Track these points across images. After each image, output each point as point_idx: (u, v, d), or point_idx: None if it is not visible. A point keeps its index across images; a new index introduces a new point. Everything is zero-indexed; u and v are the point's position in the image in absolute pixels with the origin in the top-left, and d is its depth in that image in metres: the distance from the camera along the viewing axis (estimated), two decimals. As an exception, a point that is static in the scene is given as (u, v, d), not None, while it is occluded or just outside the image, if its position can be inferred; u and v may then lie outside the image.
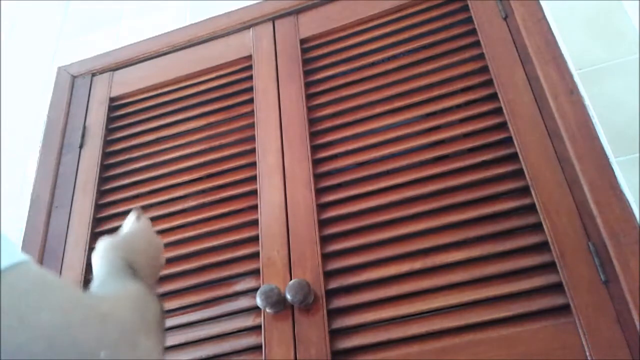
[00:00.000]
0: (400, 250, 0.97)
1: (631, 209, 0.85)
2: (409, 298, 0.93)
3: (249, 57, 1.33)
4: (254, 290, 1.00)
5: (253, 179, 1.16)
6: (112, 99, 1.42)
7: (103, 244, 0.66)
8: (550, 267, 0.87)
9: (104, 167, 1.33)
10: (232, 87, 1.32)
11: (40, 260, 1.21)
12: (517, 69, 1.05)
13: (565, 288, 0.84)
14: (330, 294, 0.98)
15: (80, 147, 1.36)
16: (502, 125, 1.02)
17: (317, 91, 1.22)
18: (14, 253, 0.40)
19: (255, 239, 1.08)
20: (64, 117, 1.42)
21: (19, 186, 1.38)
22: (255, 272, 1.05)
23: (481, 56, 1.11)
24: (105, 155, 1.34)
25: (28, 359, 0.37)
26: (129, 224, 0.75)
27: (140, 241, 0.70)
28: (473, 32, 1.14)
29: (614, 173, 0.88)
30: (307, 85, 1.23)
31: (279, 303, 0.95)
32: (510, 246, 0.91)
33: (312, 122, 1.18)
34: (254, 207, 1.12)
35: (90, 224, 1.23)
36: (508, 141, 1.00)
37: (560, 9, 1.06)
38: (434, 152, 1.05)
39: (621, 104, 0.93)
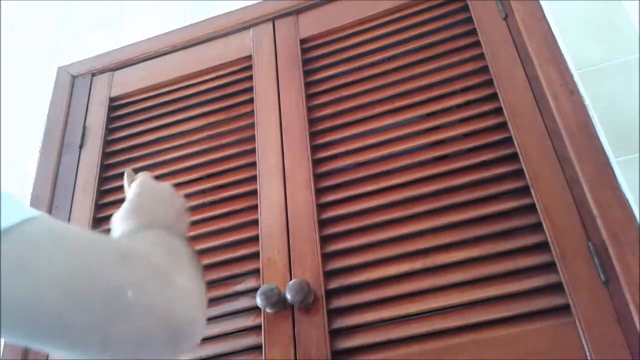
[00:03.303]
0: (400, 250, 0.97)
1: (631, 209, 0.85)
2: (409, 298, 0.93)
3: (249, 57, 1.33)
4: (254, 290, 1.00)
5: (253, 179, 1.16)
6: (112, 99, 1.42)
7: (113, 222, 0.61)
8: (550, 267, 0.87)
9: (104, 167, 1.32)
10: (232, 87, 1.32)
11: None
12: (517, 69, 1.05)
13: (565, 288, 0.84)
14: (330, 294, 0.98)
15: (80, 147, 1.36)
16: (502, 125, 1.02)
17: (317, 91, 1.22)
18: (27, 209, 0.38)
19: (255, 239, 1.08)
20: (64, 117, 1.42)
21: (19, 186, 1.38)
22: (255, 272, 1.05)
23: (481, 56, 1.11)
24: (105, 155, 1.34)
25: (46, 309, 0.35)
26: (127, 189, 0.70)
27: (145, 199, 0.64)
28: (473, 32, 1.14)
29: (614, 173, 0.88)
30: (307, 85, 1.23)
31: (279, 303, 0.95)
32: (510, 246, 0.91)
33: (312, 122, 1.18)
34: (254, 207, 1.12)
35: (90, 224, 1.23)
36: (508, 141, 1.00)
37: (560, 9, 1.06)
38: (434, 152, 1.05)
39: (621, 104, 0.93)
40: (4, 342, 1.14)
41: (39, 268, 0.36)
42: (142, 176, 0.70)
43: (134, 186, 0.68)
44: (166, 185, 0.69)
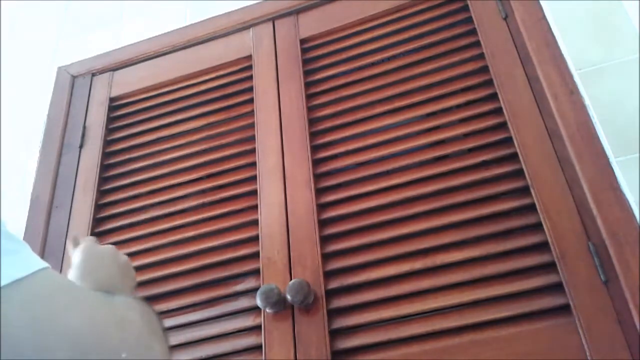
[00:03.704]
0: (400, 250, 0.97)
1: (631, 209, 0.85)
2: (409, 298, 0.93)
3: (249, 57, 1.33)
4: (254, 290, 1.00)
5: (253, 179, 1.16)
6: (112, 99, 1.42)
7: None
8: (550, 267, 0.87)
9: (104, 167, 1.32)
10: (232, 87, 1.32)
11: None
12: (517, 69, 1.05)
13: (565, 288, 0.84)
14: (330, 294, 0.98)
15: (80, 147, 1.36)
16: (502, 125, 1.02)
17: (317, 91, 1.22)
18: (37, 260, 0.41)
19: (255, 239, 1.08)
20: (64, 117, 1.42)
21: (19, 186, 1.38)
22: (255, 272, 1.05)
23: (481, 56, 1.11)
24: (105, 155, 1.34)
25: (53, 359, 0.38)
26: (73, 256, 0.72)
27: (89, 263, 0.67)
28: (473, 32, 1.14)
29: (614, 173, 0.88)
30: (307, 85, 1.23)
31: (279, 303, 0.95)
32: (510, 246, 0.91)
33: (312, 122, 1.18)
34: (254, 207, 1.12)
35: (90, 224, 1.23)
36: (508, 141, 1.00)
37: (560, 9, 1.06)
38: (434, 152, 1.05)
39: (621, 104, 0.93)
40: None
41: (58, 318, 0.39)
42: (84, 242, 0.74)
43: (77, 253, 0.71)
44: (108, 247, 0.73)
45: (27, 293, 0.38)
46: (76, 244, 0.74)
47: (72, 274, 0.66)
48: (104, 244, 0.74)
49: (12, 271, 0.38)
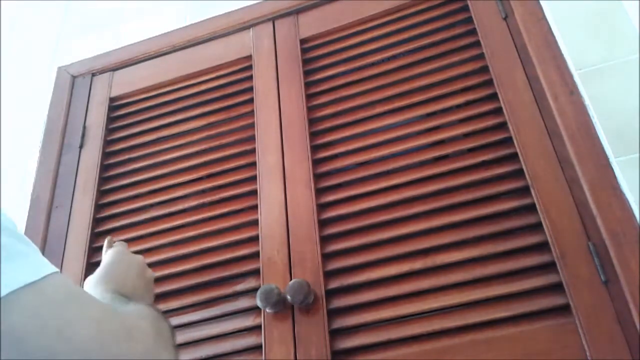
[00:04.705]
0: (400, 250, 0.97)
1: (631, 209, 0.85)
2: (409, 298, 0.93)
3: (249, 57, 1.33)
4: (254, 290, 1.00)
5: (253, 179, 1.16)
6: (112, 99, 1.42)
7: (86, 285, 0.66)
8: (550, 267, 0.87)
9: (104, 167, 1.32)
10: (232, 87, 1.32)
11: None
12: (517, 69, 1.05)
13: (565, 288, 0.84)
14: (330, 294, 0.98)
15: (80, 147, 1.36)
16: (502, 125, 1.02)
17: (317, 91, 1.22)
18: (47, 264, 0.42)
19: (255, 239, 1.08)
20: (64, 117, 1.42)
21: (19, 186, 1.38)
22: (255, 272, 1.05)
23: (481, 56, 1.11)
24: (105, 155, 1.34)
25: None
26: (104, 255, 0.75)
27: (118, 267, 0.70)
28: (473, 32, 1.14)
29: (614, 173, 0.88)
30: (307, 85, 1.23)
31: (279, 303, 0.95)
32: (510, 246, 0.91)
33: (312, 122, 1.18)
34: (254, 207, 1.12)
35: (90, 224, 1.23)
36: (508, 141, 1.00)
37: (560, 9, 1.06)
38: (434, 152, 1.05)
39: (621, 104, 0.93)
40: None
41: (67, 328, 0.39)
42: (118, 246, 0.76)
43: (109, 254, 0.73)
44: (139, 257, 0.75)
45: (37, 298, 0.38)
46: (110, 245, 0.77)
47: (99, 271, 0.68)
48: (134, 252, 0.76)
49: (23, 275, 0.38)
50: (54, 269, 0.41)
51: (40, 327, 0.38)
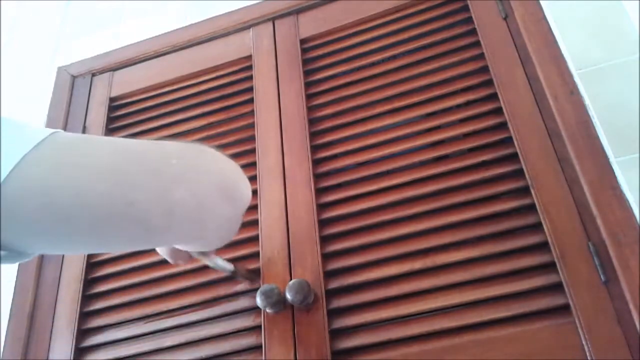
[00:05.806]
0: (400, 250, 0.97)
1: (631, 209, 0.85)
2: (409, 298, 0.93)
3: (249, 57, 1.33)
4: (254, 290, 1.00)
5: (253, 179, 1.16)
6: (112, 99, 1.42)
7: None
8: (550, 267, 0.87)
9: (104, 167, 1.32)
10: (232, 87, 1.32)
11: (40, 261, 1.21)
12: (517, 69, 1.05)
13: (565, 288, 0.84)
14: (330, 294, 0.98)
15: (80, 147, 1.36)
16: (502, 125, 1.02)
17: (317, 91, 1.22)
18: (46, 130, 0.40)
19: (255, 239, 1.08)
20: (64, 117, 1.42)
21: (19, 186, 1.37)
22: (255, 272, 1.05)
23: (481, 56, 1.11)
24: (105, 155, 1.34)
25: (104, 194, 0.37)
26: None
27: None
28: (473, 32, 1.14)
29: (614, 173, 0.88)
30: (307, 85, 1.23)
31: (279, 303, 0.95)
32: (510, 246, 0.91)
33: (312, 122, 1.18)
34: (254, 207, 1.12)
35: (90, 224, 1.23)
36: (508, 141, 1.00)
37: (560, 9, 1.06)
38: (434, 152, 1.05)
39: (621, 104, 0.93)
40: (4, 342, 1.14)
41: (87, 163, 0.38)
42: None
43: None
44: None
45: (53, 147, 0.37)
46: None
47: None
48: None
49: (29, 141, 0.37)
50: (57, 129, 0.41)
51: (62, 167, 0.37)
